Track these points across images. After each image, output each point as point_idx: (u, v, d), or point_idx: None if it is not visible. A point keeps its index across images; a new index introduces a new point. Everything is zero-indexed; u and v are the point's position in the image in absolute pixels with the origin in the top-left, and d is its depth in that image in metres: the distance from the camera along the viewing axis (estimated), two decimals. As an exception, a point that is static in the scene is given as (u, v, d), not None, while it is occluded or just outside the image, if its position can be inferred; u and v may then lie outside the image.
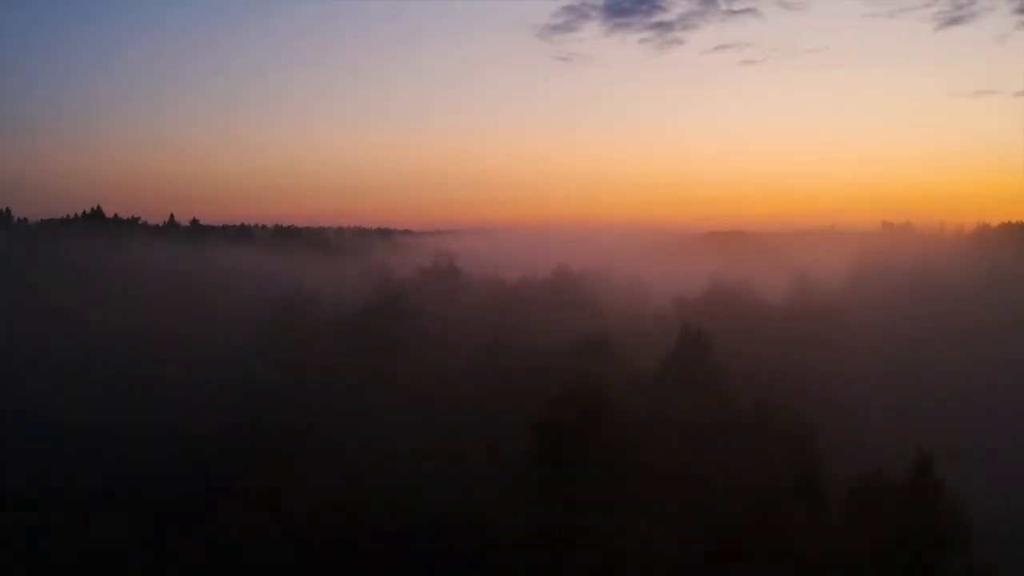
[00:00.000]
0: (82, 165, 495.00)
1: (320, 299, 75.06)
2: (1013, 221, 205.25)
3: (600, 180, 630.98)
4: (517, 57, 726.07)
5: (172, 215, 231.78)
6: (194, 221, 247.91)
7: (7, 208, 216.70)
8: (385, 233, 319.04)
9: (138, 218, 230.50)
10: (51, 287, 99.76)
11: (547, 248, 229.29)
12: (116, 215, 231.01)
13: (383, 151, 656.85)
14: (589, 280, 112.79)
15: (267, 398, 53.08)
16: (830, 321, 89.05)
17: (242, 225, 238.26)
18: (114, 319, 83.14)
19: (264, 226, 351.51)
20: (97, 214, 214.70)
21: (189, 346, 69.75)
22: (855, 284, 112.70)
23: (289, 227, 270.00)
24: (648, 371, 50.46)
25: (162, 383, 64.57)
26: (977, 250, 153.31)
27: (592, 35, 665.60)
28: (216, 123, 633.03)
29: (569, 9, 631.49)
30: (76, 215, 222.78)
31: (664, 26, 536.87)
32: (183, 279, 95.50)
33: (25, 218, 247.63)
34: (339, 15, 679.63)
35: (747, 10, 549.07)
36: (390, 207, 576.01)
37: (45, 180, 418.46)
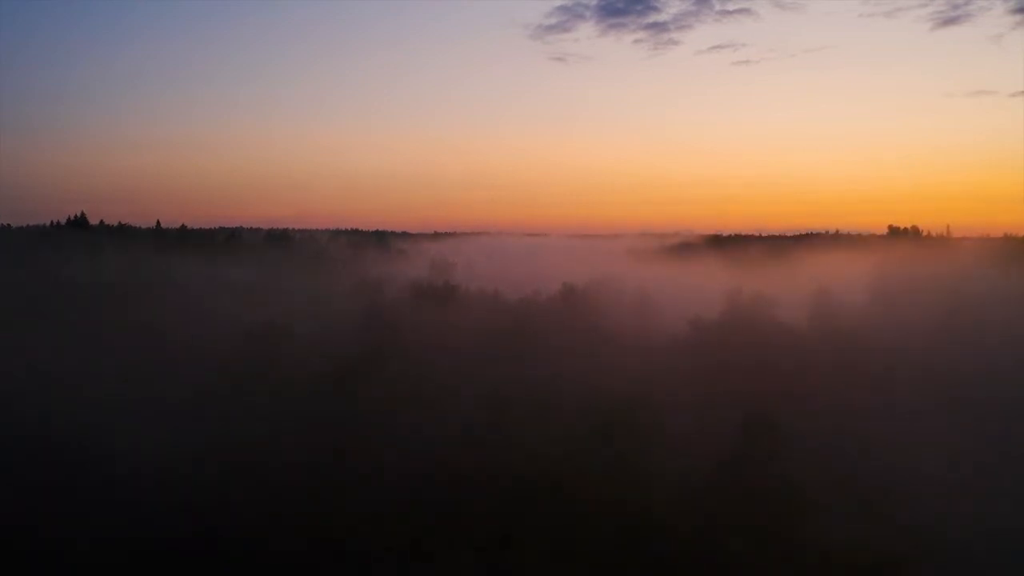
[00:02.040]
0: (68, 168, 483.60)
1: (294, 337, 63.90)
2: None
3: (595, 181, 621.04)
4: (510, 57, 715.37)
5: (159, 221, 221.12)
6: (182, 227, 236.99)
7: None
8: (381, 236, 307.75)
9: (124, 224, 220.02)
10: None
11: (546, 253, 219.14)
12: (102, 221, 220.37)
13: (377, 152, 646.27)
14: (594, 299, 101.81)
15: (210, 461, 42.00)
16: (870, 352, 78.36)
17: (232, 232, 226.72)
18: (65, 338, 72.86)
19: (258, 229, 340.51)
20: (81, 221, 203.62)
21: (130, 382, 58.61)
22: (887, 304, 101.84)
23: (282, 232, 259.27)
24: (698, 467, 39.02)
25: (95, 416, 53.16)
26: (1009, 262, 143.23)
27: (586, 35, 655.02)
28: (209, 125, 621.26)
29: (563, 9, 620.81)
30: (59, 222, 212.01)
31: (658, 26, 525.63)
32: (150, 300, 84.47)
33: (8, 224, 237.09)
34: (332, 15, 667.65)
35: (742, 10, 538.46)
36: (385, 209, 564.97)
37: (28, 184, 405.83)
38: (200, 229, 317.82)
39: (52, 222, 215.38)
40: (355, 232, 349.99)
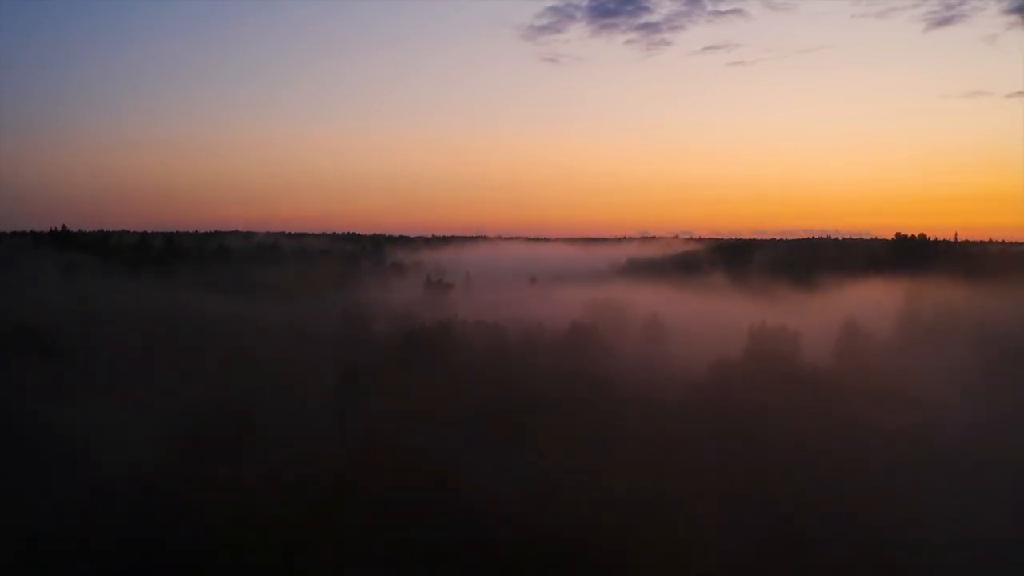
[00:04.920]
0: (66, 169, 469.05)
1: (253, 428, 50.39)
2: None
3: (590, 182, 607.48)
4: (503, 58, 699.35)
5: (144, 233, 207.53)
6: (171, 237, 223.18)
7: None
8: (377, 243, 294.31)
9: (108, 235, 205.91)
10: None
11: (547, 265, 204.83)
12: (82, 230, 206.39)
13: (373, 153, 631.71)
14: (603, 338, 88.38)
15: None
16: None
17: (222, 244, 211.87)
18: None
19: (253, 233, 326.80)
20: (62, 235, 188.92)
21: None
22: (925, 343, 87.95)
23: (274, 240, 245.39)
24: None
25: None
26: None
27: (578, 36, 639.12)
28: (209, 125, 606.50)
29: (554, 10, 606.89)
30: (42, 232, 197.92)
31: (650, 27, 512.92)
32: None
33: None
34: (331, 16, 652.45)
35: (733, 11, 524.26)
36: (382, 210, 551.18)
37: (27, 186, 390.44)
38: (192, 233, 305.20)
39: (32, 231, 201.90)
40: (352, 236, 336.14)
